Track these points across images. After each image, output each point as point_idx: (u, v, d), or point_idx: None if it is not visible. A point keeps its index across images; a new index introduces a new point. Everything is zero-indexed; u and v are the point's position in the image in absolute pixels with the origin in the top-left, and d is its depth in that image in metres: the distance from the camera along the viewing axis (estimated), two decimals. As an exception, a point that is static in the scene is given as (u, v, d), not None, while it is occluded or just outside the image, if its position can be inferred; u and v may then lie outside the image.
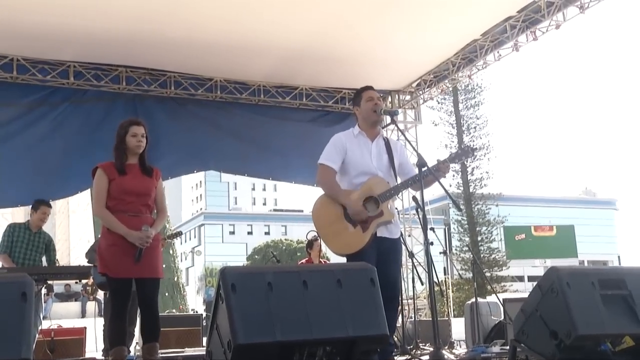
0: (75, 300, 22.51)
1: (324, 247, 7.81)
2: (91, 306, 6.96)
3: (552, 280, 3.62)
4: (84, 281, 6.39)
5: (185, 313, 24.61)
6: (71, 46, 8.21)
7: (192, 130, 9.35)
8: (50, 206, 7.12)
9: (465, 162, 28.63)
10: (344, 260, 4.24)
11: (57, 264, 7.04)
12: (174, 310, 25.13)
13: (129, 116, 5.69)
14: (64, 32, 7.77)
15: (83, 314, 20.11)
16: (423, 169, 4.15)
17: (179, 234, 7.80)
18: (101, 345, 6.89)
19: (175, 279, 35.04)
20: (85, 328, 7.24)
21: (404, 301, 7.43)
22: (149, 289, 4.36)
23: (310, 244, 8.28)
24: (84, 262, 7.67)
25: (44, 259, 6.96)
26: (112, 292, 4.38)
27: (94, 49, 8.33)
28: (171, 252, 34.75)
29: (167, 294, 32.99)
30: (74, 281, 6.41)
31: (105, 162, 4.46)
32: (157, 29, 7.82)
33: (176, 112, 9.28)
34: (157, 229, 4.43)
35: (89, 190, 8.62)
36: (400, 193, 4.80)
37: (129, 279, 4.31)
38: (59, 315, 12.97)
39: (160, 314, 4.62)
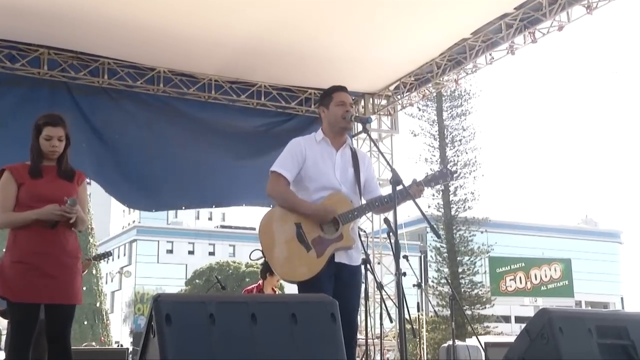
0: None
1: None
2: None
3: (543, 324, 3.67)
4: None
5: (107, 347, 24.15)
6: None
7: (122, 149, 9.22)
8: None
9: (442, 186, 28.91)
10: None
11: None
12: (93, 343, 24.70)
13: (49, 109, 5.59)
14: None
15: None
16: (397, 188, 4.18)
17: (108, 254, 7.62)
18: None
19: (98, 304, 34.46)
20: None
21: (369, 341, 7.44)
22: (60, 318, 4.24)
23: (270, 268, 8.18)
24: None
25: None
26: (13, 319, 4.21)
27: (8, 23, 8.18)
28: (94, 272, 34.23)
29: (86, 323, 32.44)
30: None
31: (16, 163, 4.38)
32: (89, 5, 7.73)
33: (108, 115, 9.18)
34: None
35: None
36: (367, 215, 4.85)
37: (35, 305, 4.18)
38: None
39: (76, 347, 4.53)
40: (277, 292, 8.12)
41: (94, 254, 7.35)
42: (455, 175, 4.80)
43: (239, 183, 9.81)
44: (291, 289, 4.25)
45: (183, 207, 10.37)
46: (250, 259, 7.98)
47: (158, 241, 65.25)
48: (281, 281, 8.63)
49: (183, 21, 8.12)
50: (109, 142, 9.14)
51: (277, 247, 4.27)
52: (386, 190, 4.34)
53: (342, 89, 4.53)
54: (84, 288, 4.58)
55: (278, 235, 4.27)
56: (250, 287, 8.51)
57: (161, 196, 9.75)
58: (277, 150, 4.59)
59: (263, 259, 6.42)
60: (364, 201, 4.45)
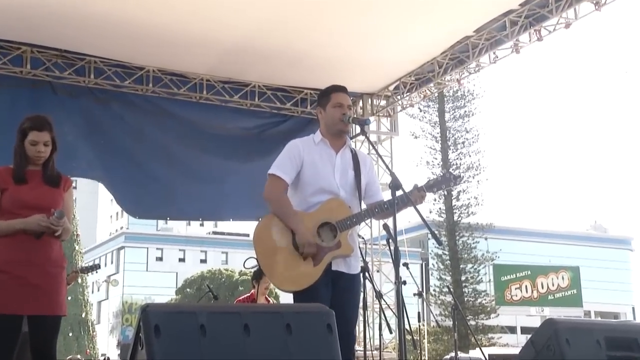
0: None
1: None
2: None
3: (549, 335, 3.67)
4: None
5: (93, 359, 24.09)
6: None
7: (108, 153, 9.23)
8: None
9: (444, 191, 28.85)
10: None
11: None
12: (79, 356, 24.66)
13: (32, 109, 5.56)
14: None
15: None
16: (397, 193, 4.17)
17: (96, 267, 7.59)
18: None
19: (84, 314, 34.40)
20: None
21: (367, 352, 7.43)
22: (45, 330, 4.21)
23: (259, 274, 8.18)
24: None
25: None
26: None
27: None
28: (80, 281, 34.18)
29: (71, 334, 32.35)
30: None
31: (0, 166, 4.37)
32: (74, 0, 7.72)
33: (94, 116, 9.15)
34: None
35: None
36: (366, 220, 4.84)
37: (18, 316, 4.15)
38: None
39: (61, 360, 4.50)
40: (271, 302, 8.10)
41: (80, 266, 7.32)
42: (459, 179, 4.76)
43: (227, 194, 9.81)
44: (286, 298, 4.24)
45: (168, 218, 10.33)
46: (245, 267, 7.98)
47: (147, 248, 65.16)
48: (276, 290, 8.61)
49: (173, 18, 8.11)
50: (94, 144, 9.12)
51: (272, 255, 4.26)
52: (387, 195, 4.32)
53: (340, 89, 4.51)
54: (69, 298, 4.55)
55: (273, 242, 4.26)
56: (242, 297, 8.48)
57: (146, 204, 9.74)
58: (269, 156, 4.59)
59: (257, 267, 6.43)
60: (364, 205, 4.44)
